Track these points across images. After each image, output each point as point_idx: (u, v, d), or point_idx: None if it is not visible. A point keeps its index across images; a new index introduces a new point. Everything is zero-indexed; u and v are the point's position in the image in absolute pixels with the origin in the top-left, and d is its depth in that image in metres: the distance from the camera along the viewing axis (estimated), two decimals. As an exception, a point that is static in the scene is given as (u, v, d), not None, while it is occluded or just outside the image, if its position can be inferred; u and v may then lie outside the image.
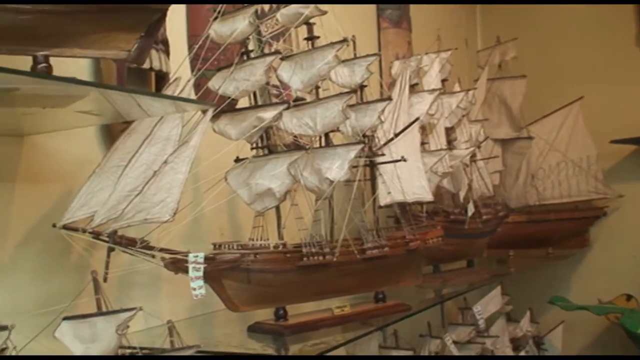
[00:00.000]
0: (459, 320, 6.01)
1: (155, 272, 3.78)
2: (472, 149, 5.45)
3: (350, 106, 3.60)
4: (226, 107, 3.40)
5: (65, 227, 2.91)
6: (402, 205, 4.18)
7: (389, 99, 3.98)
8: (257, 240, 3.36)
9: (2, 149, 3.11)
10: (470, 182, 5.52)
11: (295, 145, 3.58)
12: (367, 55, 3.84)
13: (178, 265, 3.09)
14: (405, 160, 3.83)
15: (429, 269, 5.16)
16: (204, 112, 3.11)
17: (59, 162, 3.35)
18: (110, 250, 2.98)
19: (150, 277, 3.80)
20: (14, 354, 2.46)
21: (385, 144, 4.06)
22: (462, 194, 5.44)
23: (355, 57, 3.86)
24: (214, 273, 3.16)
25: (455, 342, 5.47)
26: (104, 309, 2.75)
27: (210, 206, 3.28)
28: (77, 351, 2.71)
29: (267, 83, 3.51)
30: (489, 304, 6.00)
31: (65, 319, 2.72)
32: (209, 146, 3.13)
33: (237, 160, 3.47)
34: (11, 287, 3.04)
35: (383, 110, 3.79)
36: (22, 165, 3.18)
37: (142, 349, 2.85)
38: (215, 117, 3.35)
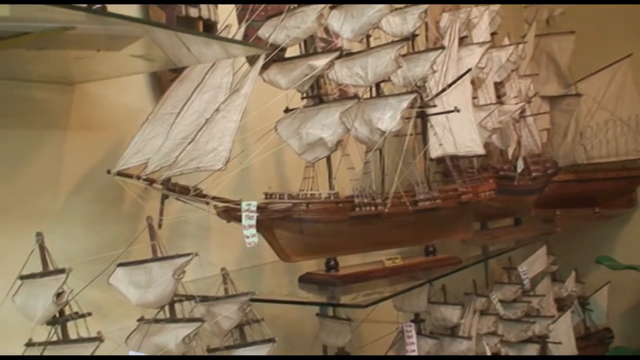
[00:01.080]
0: (504, 279, 5.93)
1: (204, 224, 3.80)
2: (521, 104, 5.33)
3: (402, 56, 3.51)
4: (275, 57, 3.33)
5: (119, 173, 2.90)
6: (454, 158, 4.11)
7: (442, 47, 3.88)
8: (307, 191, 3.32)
9: (54, 97, 3.09)
10: (519, 139, 5.42)
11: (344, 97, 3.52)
12: (419, 3, 3.74)
13: (230, 213, 3.07)
14: (458, 111, 3.74)
15: (476, 226, 5.08)
16: (251, 62, 3.07)
17: (110, 111, 3.33)
18: (164, 197, 2.97)
19: (200, 228, 3.79)
20: (69, 298, 2.46)
21: (438, 94, 3.97)
22: (510, 151, 5.34)
23: (407, 5, 3.76)
24: (266, 222, 3.13)
25: (500, 301, 5.42)
26: (159, 255, 2.75)
27: (260, 156, 3.23)
28: (133, 297, 2.71)
29: (314, 36, 3.44)
30: (534, 263, 5.93)
31: (120, 265, 2.73)
32: (257, 99, 3.08)
33: (287, 110, 3.42)
34: (65, 235, 3.04)
35: (435, 60, 3.69)
36: (73, 113, 3.17)
37: (196, 297, 2.85)
38: (264, 67, 3.28)
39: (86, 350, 2.35)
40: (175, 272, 2.62)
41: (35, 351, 2.46)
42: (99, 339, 2.33)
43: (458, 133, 3.98)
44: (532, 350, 5.52)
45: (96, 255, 2.74)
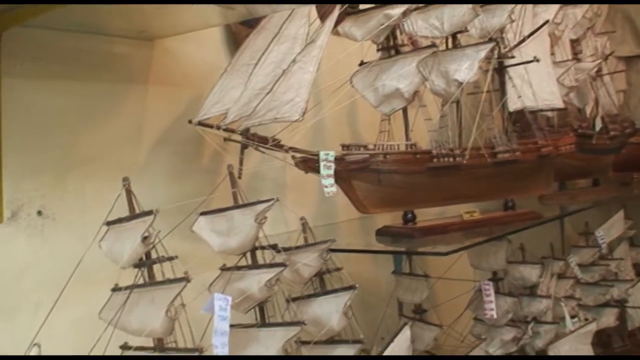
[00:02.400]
0: (581, 243, 5.81)
1: (281, 180, 3.82)
2: (598, 61, 5.19)
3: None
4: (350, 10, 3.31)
5: (200, 123, 2.93)
6: (533, 112, 4.02)
7: (520, -5, 3.80)
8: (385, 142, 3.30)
9: (135, 51, 3.15)
10: (596, 97, 5.27)
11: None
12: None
13: (308, 164, 3.07)
14: (537, 61, 3.66)
15: (554, 187, 4.97)
16: (322, 18, 3.06)
17: (187, 67, 3.37)
18: (244, 147, 2.99)
19: (276, 185, 3.82)
20: (155, 242, 2.50)
21: (516, 45, 3.89)
22: (588, 110, 5.20)
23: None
24: (344, 173, 3.13)
25: (578, 265, 5.31)
26: (240, 203, 2.77)
27: (335, 108, 3.22)
28: (215, 244, 2.74)
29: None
30: (611, 228, 5.78)
31: (202, 213, 2.77)
32: (327, 55, 3.06)
33: (362, 64, 3.40)
34: (147, 188, 3.06)
35: (513, 10, 3.61)
36: (153, 68, 3.22)
37: (277, 245, 2.86)
38: (338, 21, 3.26)
39: (173, 291, 2.39)
40: (257, 217, 2.64)
41: (121, 295, 2.51)
42: (185, 279, 2.37)
43: (537, 86, 3.89)
44: (610, 314, 5.40)
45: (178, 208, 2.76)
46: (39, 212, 2.79)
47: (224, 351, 2.46)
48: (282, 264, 2.66)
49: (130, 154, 3.11)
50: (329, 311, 2.90)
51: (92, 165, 2.96)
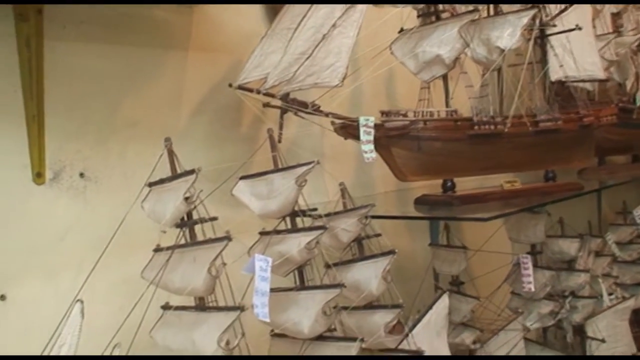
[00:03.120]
0: (618, 222, 5.75)
1: (318, 150, 3.81)
2: (639, 35, 5.09)
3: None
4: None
5: (240, 87, 2.93)
6: (574, 82, 3.96)
7: (561, -36, 3.74)
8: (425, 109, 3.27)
9: (175, 17, 3.15)
10: (637, 72, 5.18)
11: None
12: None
13: (348, 130, 3.06)
14: (580, 29, 3.60)
15: (594, 162, 4.91)
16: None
17: (227, 34, 3.36)
18: (283, 112, 2.99)
19: (313, 154, 3.79)
20: (197, 202, 2.51)
21: (558, 14, 3.82)
22: (628, 84, 5.12)
23: None
24: (383, 140, 3.11)
25: (615, 243, 5.25)
26: (280, 167, 2.77)
27: (374, 73, 3.20)
28: (255, 207, 2.74)
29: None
30: (649, 207, 5.70)
31: (242, 178, 2.77)
32: (366, 23, 3.03)
33: (401, 31, 3.37)
34: (186, 153, 3.05)
35: (555, -23, 3.56)
36: (193, 34, 3.22)
37: (316, 210, 2.86)
38: (379, -11, 3.24)
39: (214, 250, 2.39)
40: (297, 179, 2.63)
41: (163, 255, 2.52)
42: (227, 237, 2.37)
43: (579, 55, 3.83)
44: (648, 292, 5.34)
45: (218, 172, 2.75)
46: (81, 174, 2.82)
47: (264, 311, 2.46)
48: (323, 227, 2.66)
49: (171, 119, 3.13)
50: (367, 276, 2.89)
51: (133, 128, 2.97)
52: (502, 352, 3.94)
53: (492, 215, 2.92)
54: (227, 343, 2.37)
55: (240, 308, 2.37)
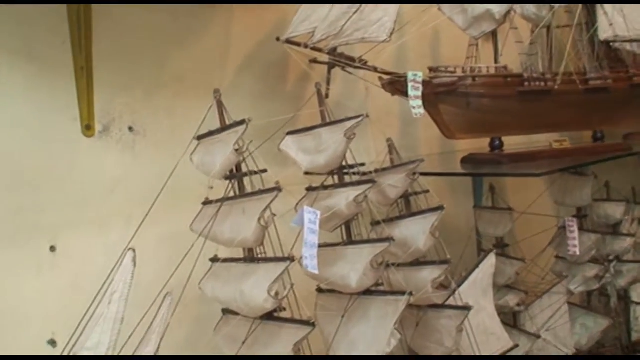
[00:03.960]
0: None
1: (363, 111, 3.76)
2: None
3: None
4: None
5: (288, 41, 2.90)
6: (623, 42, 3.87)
7: None
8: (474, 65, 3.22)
9: (222, -28, 3.12)
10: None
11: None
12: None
13: (396, 86, 3.02)
14: (632, -14, 3.51)
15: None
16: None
17: (274, -12, 3.33)
18: (331, 67, 2.96)
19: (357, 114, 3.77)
20: (246, 153, 2.50)
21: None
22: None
23: None
24: (431, 97, 3.06)
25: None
26: (327, 121, 2.76)
27: (421, 28, 3.15)
28: (303, 162, 2.73)
29: None
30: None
31: (289, 133, 2.76)
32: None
33: (450, -13, 3.31)
34: (233, 109, 3.06)
35: None
36: (238, -12, 3.19)
37: (364, 165, 2.84)
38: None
39: (264, 201, 2.39)
40: (346, 132, 2.61)
41: (212, 208, 2.53)
42: (277, 189, 2.37)
43: (629, 15, 3.73)
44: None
45: (263, 130, 2.73)
46: (130, 128, 2.83)
47: (313, 263, 2.46)
48: (371, 180, 2.64)
49: (217, 75, 3.12)
50: (415, 232, 2.87)
51: (180, 83, 2.98)
52: (545, 316, 3.91)
53: (543, 171, 2.86)
54: (277, 294, 2.37)
55: (290, 259, 2.37)
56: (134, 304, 2.26)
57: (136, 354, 2.25)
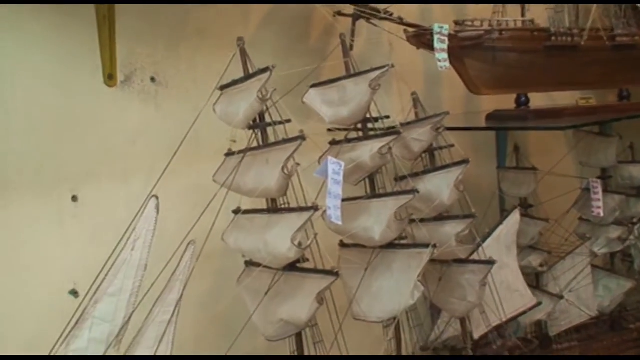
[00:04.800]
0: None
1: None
2: None
3: None
4: None
5: (313, -9, 2.86)
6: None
7: None
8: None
9: None
10: None
11: None
12: None
13: (421, 39, 2.98)
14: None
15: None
16: None
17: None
18: (356, 19, 2.92)
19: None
20: (270, 104, 2.47)
21: None
22: None
23: None
24: (457, 51, 3.02)
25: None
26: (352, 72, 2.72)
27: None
28: (327, 114, 2.69)
29: None
30: None
31: (312, 86, 2.72)
32: None
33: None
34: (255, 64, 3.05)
35: None
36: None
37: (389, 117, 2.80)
38: None
39: (288, 150, 2.36)
40: (371, 82, 2.57)
41: (235, 159, 2.50)
42: (301, 137, 2.34)
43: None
44: None
45: (286, 88, 2.70)
46: (152, 79, 2.81)
47: (337, 214, 2.43)
48: (396, 132, 2.61)
49: (239, 29, 3.05)
50: (439, 186, 2.84)
51: (202, 36, 2.94)
52: (568, 277, 3.88)
53: (569, 125, 2.82)
54: (300, 243, 2.36)
55: (314, 208, 2.34)
56: (157, 255, 2.26)
57: (161, 300, 2.24)
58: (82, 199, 2.62)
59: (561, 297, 3.74)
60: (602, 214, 3.82)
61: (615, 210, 4.00)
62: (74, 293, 2.55)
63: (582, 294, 3.91)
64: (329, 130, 2.79)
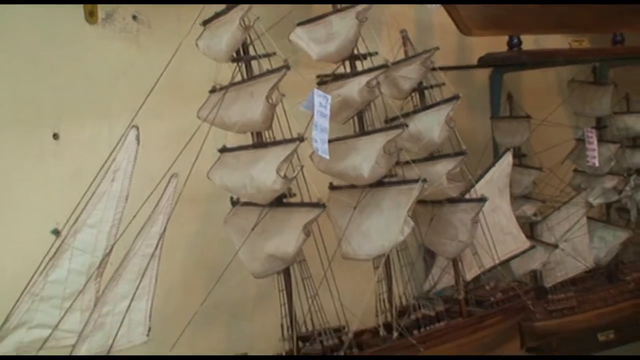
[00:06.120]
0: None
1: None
2: None
3: None
4: None
5: None
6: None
7: None
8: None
9: None
10: None
11: None
12: None
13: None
14: None
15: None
16: None
17: None
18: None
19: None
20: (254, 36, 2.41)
21: None
22: None
23: None
24: (448, -11, 2.95)
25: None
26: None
27: None
28: (314, 52, 2.63)
29: None
30: None
31: (299, 24, 2.65)
32: None
33: None
34: None
35: None
36: None
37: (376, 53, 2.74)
38: None
39: (272, 81, 2.31)
40: (358, 14, 2.51)
41: (218, 95, 2.44)
42: (285, 66, 2.28)
43: None
44: None
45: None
46: (134, 17, 2.74)
47: (323, 147, 2.38)
48: (384, 65, 2.55)
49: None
50: (429, 124, 2.80)
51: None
52: (563, 227, 3.82)
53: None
54: (285, 175, 2.30)
55: (300, 139, 2.29)
56: (141, 192, 2.22)
57: (143, 233, 2.19)
58: (63, 138, 2.56)
59: (556, 247, 3.69)
60: (597, 164, 3.77)
61: (611, 159, 3.94)
62: (56, 232, 2.49)
63: (577, 245, 3.85)
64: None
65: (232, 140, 2.55)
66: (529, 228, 3.77)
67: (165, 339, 2.29)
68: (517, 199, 3.72)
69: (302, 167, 2.34)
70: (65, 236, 2.09)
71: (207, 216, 2.87)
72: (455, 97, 2.71)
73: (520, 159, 3.83)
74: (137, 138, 2.20)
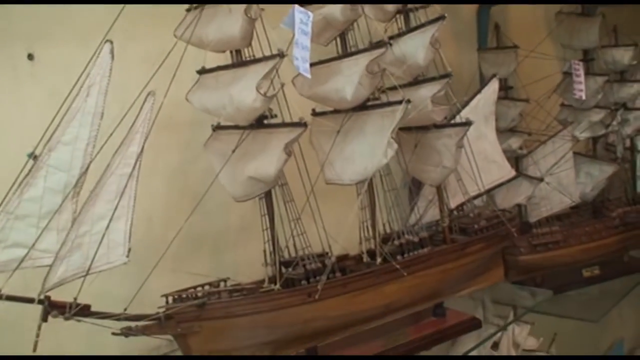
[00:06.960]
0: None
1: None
2: None
3: None
4: None
5: None
6: None
7: None
8: None
9: None
10: None
11: None
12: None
13: None
14: None
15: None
16: None
17: None
18: None
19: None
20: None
21: None
22: None
23: None
24: None
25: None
26: None
27: None
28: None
29: None
30: None
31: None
32: None
33: None
34: None
35: None
36: None
37: None
38: None
39: (252, -3, 2.24)
40: None
41: (193, 14, 2.35)
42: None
43: None
44: None
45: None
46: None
47: (304, 66, 2.31)
48: (367, -18, 2.48)
49: None
50: (414, 47, 2.73)
51: None
52: (549, 161, 3.79)
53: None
54: (266, 93, 2.24)
55: (280, 55, 2.23)
56: (117, 113, 2.15)
57: (120, 152, 2.13)
58: (38, 58, 2.48)
59: (541, 180, 3.66)
60: (584, 97, 3.73)
61: (598, 92, 3.90)
62: (33, 156, 2.43)
63: (563, 179, 3.82)
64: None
65: (212, 62, 2.47)
66: (515, 162, 3.74)
67: (148, 266, 2.24)
68: (503, 132, 3.68)
69: (282, 84, 2.27)
70: (40, 154, 2.03)
71: (188, 144, 2.81)
72: (440, 18, 2.64)
73: (507, 91, 3.79)
74: (112, 52, 2.13)
